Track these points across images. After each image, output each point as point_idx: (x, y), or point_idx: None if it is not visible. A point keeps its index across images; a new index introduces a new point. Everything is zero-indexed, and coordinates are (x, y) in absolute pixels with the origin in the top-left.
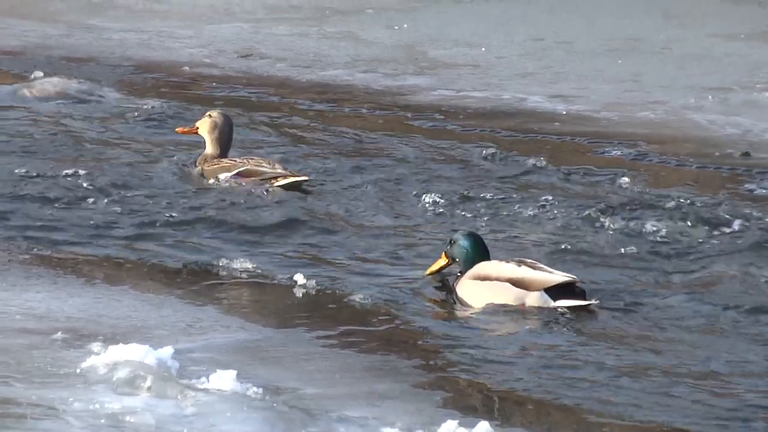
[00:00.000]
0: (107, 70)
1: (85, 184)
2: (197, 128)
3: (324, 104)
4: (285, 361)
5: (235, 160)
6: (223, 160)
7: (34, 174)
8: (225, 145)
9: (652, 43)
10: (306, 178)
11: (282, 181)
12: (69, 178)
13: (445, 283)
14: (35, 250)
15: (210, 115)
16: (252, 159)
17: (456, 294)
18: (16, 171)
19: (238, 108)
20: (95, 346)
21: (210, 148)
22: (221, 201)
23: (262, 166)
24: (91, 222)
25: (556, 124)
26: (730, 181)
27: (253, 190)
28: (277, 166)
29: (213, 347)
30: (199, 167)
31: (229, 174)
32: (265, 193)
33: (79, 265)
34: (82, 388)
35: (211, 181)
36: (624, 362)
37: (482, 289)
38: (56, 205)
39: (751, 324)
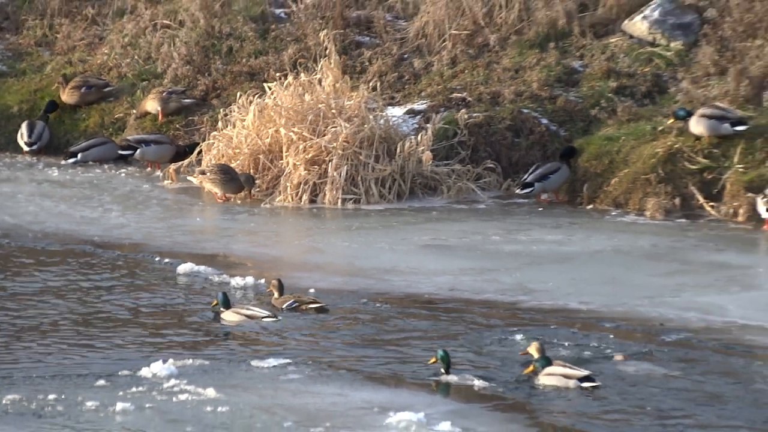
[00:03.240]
0: None
1: None
2: (273, 291)
3: None
4: None
5: (288, 296)
6: (281, 297)
7: None
8: (282, 293)
9: None
10: (324, 304)
11: (312, 305)
12: None
13: None
14: None
15: (273, 284)
16: (296, 295)
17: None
18: None
19: None
20: None
21: (276, 294)
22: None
23: (303, 298)
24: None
25: None
26: None
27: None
28: (307, 297)
29: None
30: (273, 302)
31: (289, 302)
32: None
33: None
34: None
35: (282, 307)
36: None
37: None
38: None
39: None
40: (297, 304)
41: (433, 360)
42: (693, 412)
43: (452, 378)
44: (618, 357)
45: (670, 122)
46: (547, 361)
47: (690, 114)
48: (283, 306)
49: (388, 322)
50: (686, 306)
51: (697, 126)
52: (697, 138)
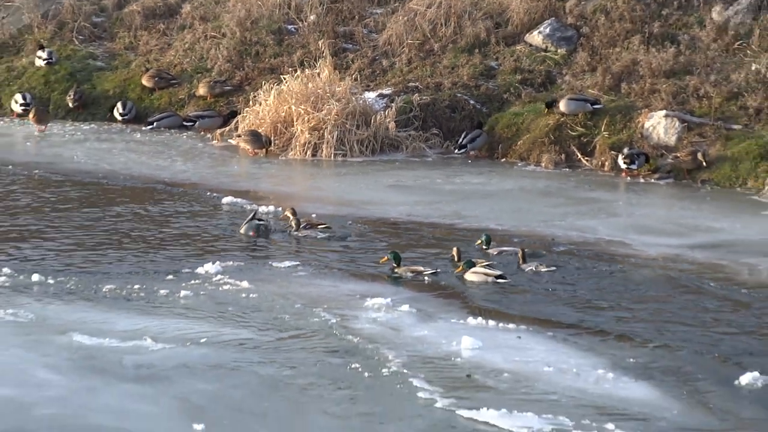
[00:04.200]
0: None
1: None
2: (288, 216)
3: None
4: None
5: (301, 219)
6: (296, 218)
7: None
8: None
9: None
10: (329, 225)
11: (320, 226)
12: None
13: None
14: None
15: (289, 210)
16: (306, 218)
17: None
18: None
19: None
20: None
21: (292, 218)
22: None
23: (313, 220)
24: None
25: None
26: None
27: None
28: (315, 220)
29: None
30: (291, 223)
31: (303, 224)
32: (312, 232)
33: None
34: None
35: (302, 234)
36: None
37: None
38: None
39: None
40: (309, 225)
41: (384, 259)
42: (576, 295)
43: (408, 274)
44: (519, 253)
45: (546, 111)
46: (472, 264)
47: (554, 102)
48: (300, 226)
49: (366, 237)
50: (569, 227)
51: (567, 107)
52: (575, 115)
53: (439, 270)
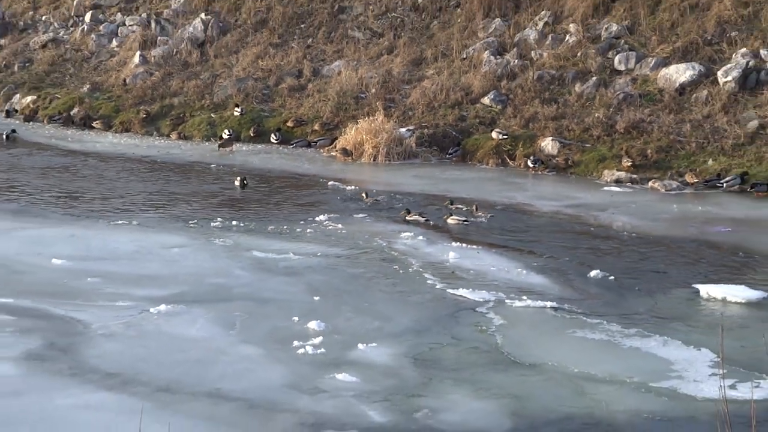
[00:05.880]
0: None
1: None
2: (364, 196)
3: None
4: None
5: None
6: (368, 196)
7: None
8: (368, 195)
9: None
10: (381, 198)
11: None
12: None
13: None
14: None
15: (366, 191)
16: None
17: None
18: None
19: None
20: None
21: (366, 197)
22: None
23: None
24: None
25: None
26: None
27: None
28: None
29: None
30: (365, 199)
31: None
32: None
33: None
34: None
35: (371, 200)
36: None
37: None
38: None
39: None
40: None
41: (403, 212)
42: (506, 231)
43: (419, 219)
44: (473, 208)
45: (491, 136)
46: (451, 213)
47: (492, 131)
48: (370, 199)
49: (400, 202)
50: (502, 196)
51: (493, 134)
52: (503, 138)
53: (430, 217)
